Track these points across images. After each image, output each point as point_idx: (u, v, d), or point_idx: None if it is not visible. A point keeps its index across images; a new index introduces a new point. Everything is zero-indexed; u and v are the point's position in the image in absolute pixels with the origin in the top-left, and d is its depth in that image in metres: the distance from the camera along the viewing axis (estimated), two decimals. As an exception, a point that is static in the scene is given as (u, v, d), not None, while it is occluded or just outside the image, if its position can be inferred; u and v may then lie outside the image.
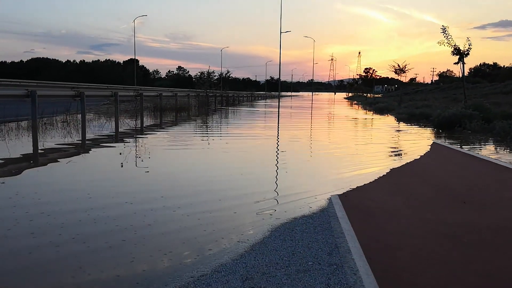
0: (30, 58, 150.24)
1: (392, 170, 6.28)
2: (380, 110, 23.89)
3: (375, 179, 5.55)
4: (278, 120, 18.15)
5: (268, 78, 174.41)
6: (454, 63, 17.30)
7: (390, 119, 19.13)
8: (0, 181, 5.13)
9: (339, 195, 4.67)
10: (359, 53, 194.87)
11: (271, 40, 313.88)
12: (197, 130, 13.00)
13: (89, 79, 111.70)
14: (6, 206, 4.07)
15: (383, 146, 9.50)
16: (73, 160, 6.89)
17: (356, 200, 4.48)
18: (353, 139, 11.18)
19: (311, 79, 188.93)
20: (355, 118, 20.05)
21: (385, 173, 6.00)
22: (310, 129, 14.21)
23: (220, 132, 12.31)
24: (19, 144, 8.05)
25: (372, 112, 24.27)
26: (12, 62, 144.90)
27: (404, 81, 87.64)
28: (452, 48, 17.01)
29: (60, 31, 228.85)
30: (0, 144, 7.96)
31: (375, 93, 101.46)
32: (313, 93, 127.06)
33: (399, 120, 18.24)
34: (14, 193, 4.59)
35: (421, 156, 7.74)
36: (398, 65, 29.42)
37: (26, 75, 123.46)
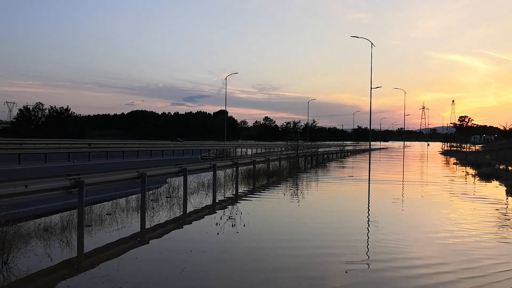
0: (130, 110, 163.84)
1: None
2: (485, 176, 22.08)
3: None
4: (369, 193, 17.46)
5: (356, 127, 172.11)
6: None
7: (499, 191, 17.20)
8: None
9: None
10: (453, 101, 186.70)
11: (358, 88, 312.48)
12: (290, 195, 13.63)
13: (182, 130, 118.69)
14: None
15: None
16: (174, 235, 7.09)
17: None
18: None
19: (401, 127, 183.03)
20: (463, 195, 18.65)
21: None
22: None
23: (309, 201, 12.10)
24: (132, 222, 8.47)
25: (474, 177, 22.53)
26: (115, 114, 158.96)
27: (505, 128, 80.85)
28: None
29: (157, 85, 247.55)
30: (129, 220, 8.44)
31: (472, 143, 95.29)
32: (404, 142, 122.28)
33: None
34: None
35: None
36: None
37: (127, 126, 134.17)
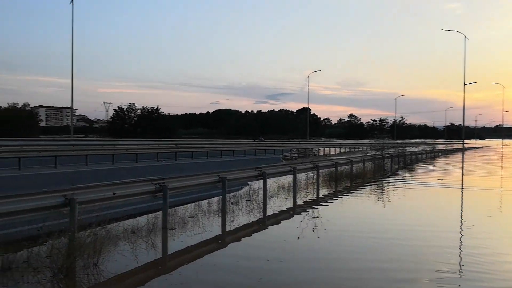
0: (215, 109, 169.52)
1: None
2: None
3: None
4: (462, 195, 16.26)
5: (448, 124, 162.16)
6: None
7: None
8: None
9: None
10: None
11: (450, 83, 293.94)
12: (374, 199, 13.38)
13: (264, 128, 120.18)
14: None
15: None
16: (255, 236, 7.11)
17: None
18: None
19: (499, 124, 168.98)
20: None
21: None
22: None
23: (398, 204, 11.51)
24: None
25: None
26: (201, 113, 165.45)
27: None
28: None
29: (241, 83, 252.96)
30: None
31: None
32: (503, 141, 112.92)
33: None
34: None
35: None
36: None
37: (212, 124, 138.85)
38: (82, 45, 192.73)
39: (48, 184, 13.69)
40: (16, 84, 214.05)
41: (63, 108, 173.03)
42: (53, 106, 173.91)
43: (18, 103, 75.99)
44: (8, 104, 75.22)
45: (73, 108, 49.97)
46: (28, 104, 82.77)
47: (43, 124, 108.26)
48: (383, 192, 15.66)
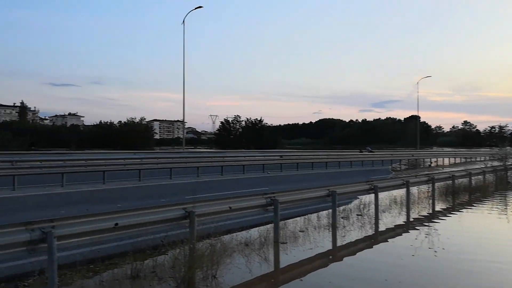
0: (318, 119, 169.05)
1: None
2: None
3: None
4: None
5: None
6: None
7: None
8: None
9: None
10: None
11: None
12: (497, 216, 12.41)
13: (370, 137, 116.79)
14: None
15: None
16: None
17: None
18: None
19: None
20: None
21: None
22: None
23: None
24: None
25: None
26: (303, 123, 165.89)
27: None
28: None
29: (344, 92, 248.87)
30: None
31: None
32: None
33: None
34: None
35: None
36: None
37: (314, 134, 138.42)
38: (192, 60, 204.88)
39: (166, 195, 14.72)
40: (134, 100, 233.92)
41: (174, 121, 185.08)
42: (165, 120, 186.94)
43: (135, 118, 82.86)
44: (127, 119, 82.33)
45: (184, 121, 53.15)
46: (144, 119, 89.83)
47: (157, 136, 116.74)
48: (507, 208, 14.23)
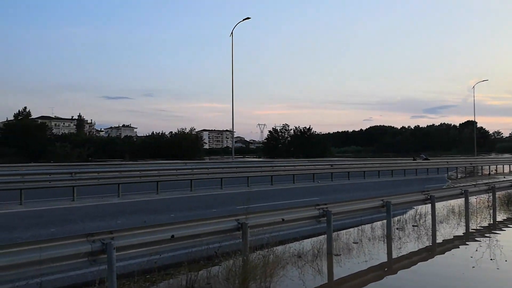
0: (368, 126, 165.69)
1: None
2: None
3: None
4: None
5: None
6: None
7: None
8: None
9: None
10: None
11: None
12: None
13: (423, 143, 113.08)
14: None
15: None
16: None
17: None
18: None
19: None
20: None
21: None
22: None
23: None
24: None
25: None
26: (353, 131, 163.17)
27: None
28: None
29: (395, 98, 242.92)
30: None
31: None
32: None
33: None
34: None
35: None
36: None
37: (365, 142, 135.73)
38: (239, 69, 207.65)
39: (217, 204, 14.89)
40: (184, 111, 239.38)
41: (223, 131, 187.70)
42: (214, 130, 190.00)
43: (185, 128, 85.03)
44: (178, 129, 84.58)
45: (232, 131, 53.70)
46: (194, 129, 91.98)
47: (206, 146, 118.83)
48: None
